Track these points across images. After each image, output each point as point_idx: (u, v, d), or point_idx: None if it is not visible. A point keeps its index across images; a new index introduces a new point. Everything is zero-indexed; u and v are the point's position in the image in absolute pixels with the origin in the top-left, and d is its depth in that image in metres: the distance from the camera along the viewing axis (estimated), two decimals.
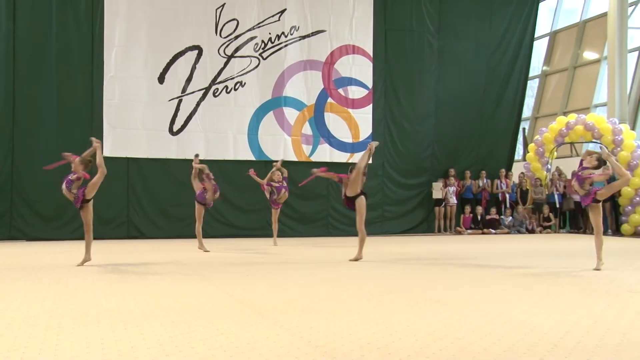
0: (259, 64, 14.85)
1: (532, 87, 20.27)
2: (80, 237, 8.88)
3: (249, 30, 14.77)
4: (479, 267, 8.39)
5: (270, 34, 14.93)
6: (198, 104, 14.38)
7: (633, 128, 16.38)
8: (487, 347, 3.86)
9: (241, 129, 14.68)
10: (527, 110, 19.77)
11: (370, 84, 15.71)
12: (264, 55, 14.90)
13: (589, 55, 19.22)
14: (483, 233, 15.98)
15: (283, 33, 15.04)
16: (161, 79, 14.15)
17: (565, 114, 17.92)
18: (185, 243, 11.00)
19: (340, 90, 15.49)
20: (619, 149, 15.25)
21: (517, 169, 17.67)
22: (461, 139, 16.65)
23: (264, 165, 13.98)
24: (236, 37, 14.68)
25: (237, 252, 10.84)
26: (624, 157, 15.04)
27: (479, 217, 16.27)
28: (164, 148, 14.11)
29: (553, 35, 20.51)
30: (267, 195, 12.16)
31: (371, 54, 15.74)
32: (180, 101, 14.28)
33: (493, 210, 16.39)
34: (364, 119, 15.65)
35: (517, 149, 18.41)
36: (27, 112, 13.35)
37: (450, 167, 16.34)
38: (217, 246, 11.68)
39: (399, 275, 7.67)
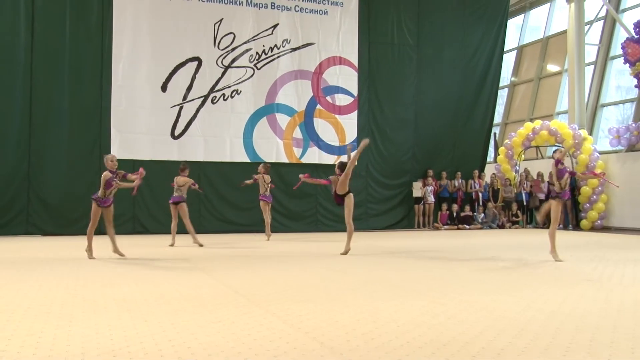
0: (253, 73, 14.82)
1: (502, 95, 20.38)
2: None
3: (245, 42, 14.74)
4: (454, 259, 8.43)
5: (264, 46, 14.91)
6: (197, 111, 14.33)
7: (590, 133, 16.56)
8: (461, 332, 3.89)
9: (237, 133, 14.65)
10: (497, 117, 19.88)
11: (355, 92, 15.73)
12: (258, 65, 14.87)
13: (552, 67, 19.36)
14: (458, 228, 16.03)
15: (276, 45, 15.02)
16: (164, 88, 14.10)
17: (531, 120, 18.04)
18: (186, 238, 10.96)
19: (328, 98, 15.50)
20: (578, 152, 15.41)
21: (489, 170, 17.74)
22: (438, 142, 16.69)
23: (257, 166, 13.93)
24: (233, 49, 14.64)
25: (233, 247, 10.83)
26: (583, 160, 15.21)
27: (455, 214, 16.31)
28: (166, 151, 14.05)
29: (520, 49, 20.64)
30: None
31: (356, 65, 15.76)
32: (181, 108, 14.23)
33: (467, 207, 16.44)
34: (350, 124, 15.67)
35: (489, 152, 18.49)
36: (43, 117, 13.28)
37: (428, 168, 16.37)
38: (215, 241, 11.66)
39: (381, 267, 7.69)
